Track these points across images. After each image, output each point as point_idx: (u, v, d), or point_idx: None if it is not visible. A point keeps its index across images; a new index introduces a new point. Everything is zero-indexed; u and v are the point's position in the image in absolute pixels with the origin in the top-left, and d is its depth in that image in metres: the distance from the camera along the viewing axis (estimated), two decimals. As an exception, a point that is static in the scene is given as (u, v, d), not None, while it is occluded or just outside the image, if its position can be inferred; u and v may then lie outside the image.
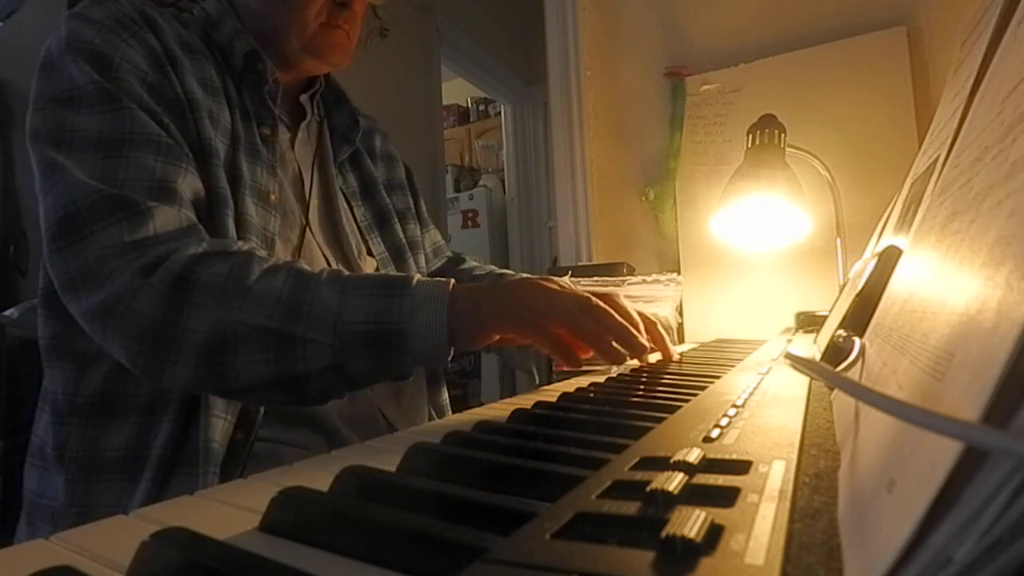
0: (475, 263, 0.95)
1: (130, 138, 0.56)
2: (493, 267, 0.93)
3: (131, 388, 0.59)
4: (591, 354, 0.54)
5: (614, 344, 0.52)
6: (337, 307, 0.51)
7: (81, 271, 0.52)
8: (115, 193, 0.53)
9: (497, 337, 0.54)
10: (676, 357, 0.68)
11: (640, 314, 0.62)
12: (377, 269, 0.79)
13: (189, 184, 0.59)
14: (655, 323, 0.63)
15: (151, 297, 0.51)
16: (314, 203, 0.75)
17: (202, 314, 0.51)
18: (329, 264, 0.73)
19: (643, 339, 0.54)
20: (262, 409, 0.61)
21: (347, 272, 0.54)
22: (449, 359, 0.53)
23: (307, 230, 0.72)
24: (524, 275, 0.83)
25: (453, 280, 0.54)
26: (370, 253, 0.79)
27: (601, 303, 0.53)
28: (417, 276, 0.54)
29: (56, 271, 0.54)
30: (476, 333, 0.53)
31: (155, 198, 0.55)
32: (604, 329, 0.52)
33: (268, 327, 0.50)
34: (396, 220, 0.85)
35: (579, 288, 0.56)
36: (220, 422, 0.58)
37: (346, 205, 0.79)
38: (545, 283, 0.55)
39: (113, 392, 0.59)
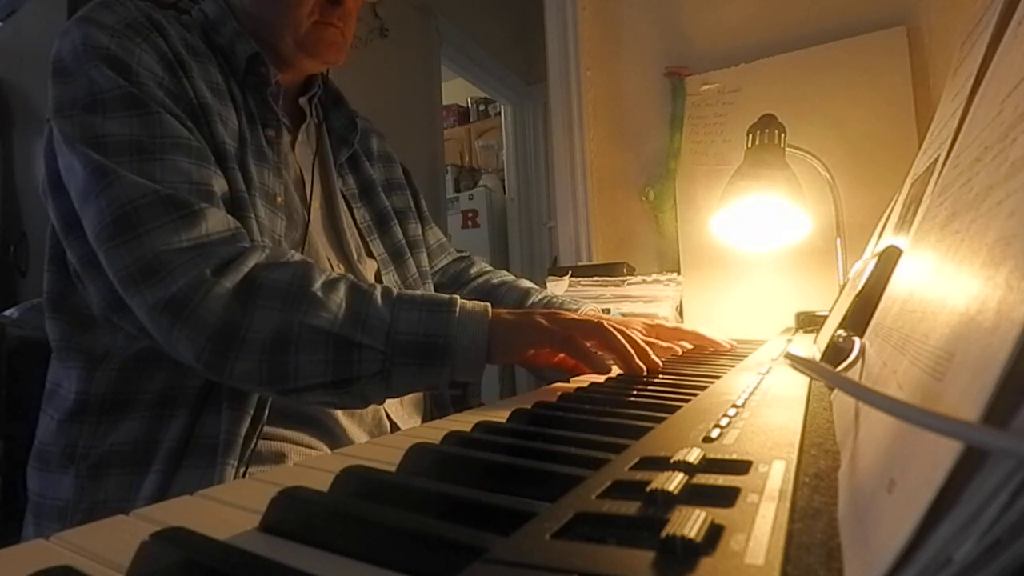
0: (486, 267, 0.96)
1: (161, 142, 0.57)
2: (505, 273, 0.94)
3: (143, 385, 0.60)
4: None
5: (636, 357, 0.57)
6: (390, 319, 0.55)
7: (141, 265, 0.54)
8: (170, 193, 0.55)
9: (531, 352, 0.59)
10: (729, 346, 0.80)
11: (676, 330, 0.73)
12: (377, 270, 0.79)
13: (220, 186, 0.60)
14: (694, 334, 0.76)
15: (221, 296, 0.53)
16: (316, 205, 0.75)
17: (267, 315, 0.54)
18: (331, 266, 0.73)
19: (653, 359, 0.58)
20: (268, 407, 0.61)
21: (396, 290, 0.59)
22: (481, 376, 0.58)
23: (309, 232, 0.72)
24: (542, 290, 0.90)
25: (489, 304, 0.59)
26: (370, 255, 0.79)
27: (620, 327, 0.60)
28: (460, 299, 0.58)
29: (114, 267, 0.55)
30: (511, 349, 0.58)
31: (202, 200, 0.57)
32: (627, 343, 0.57)
33: (331, 331, 0.54)
34: (395, 221, 0.85)
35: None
36: (244, 416, 0.59)
37: (346, 207, 0.79)
38: (572, 314, 0.62)
39: (124, 389, 0.60)
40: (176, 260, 0.54)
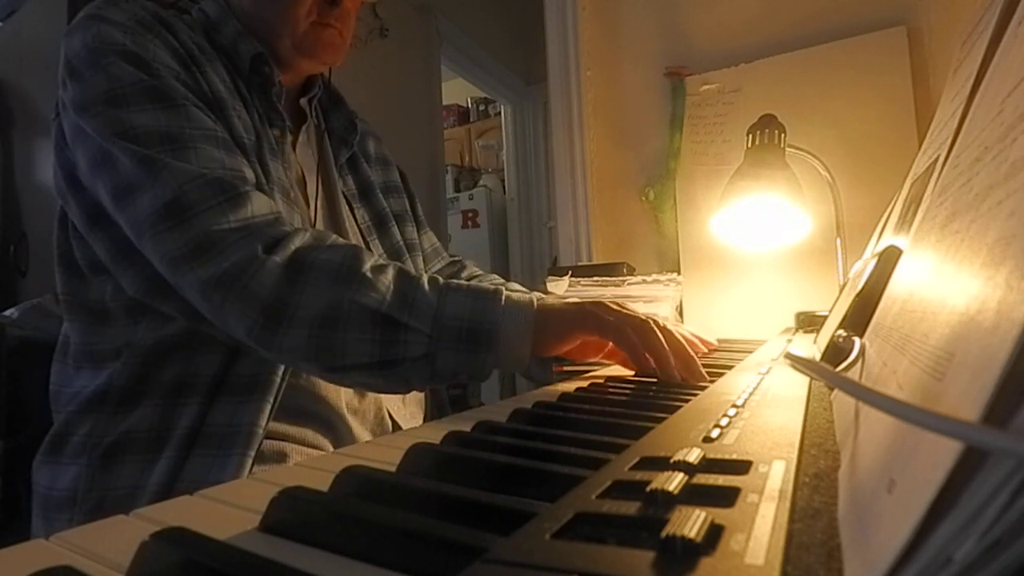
0: (477, 271, 0.96)
1: (190, 133, 0.58)
2: (498, 278, 0.93)
3: (160, 374, 0.61)
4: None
5: (674, 365, 0.55)
6: (437, 303, 0.56)
7: (192, 245, 0.55)
8: (218, 176, 0.56)
9: (578, 342, 0.58)
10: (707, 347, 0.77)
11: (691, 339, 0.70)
12: None
13: (250, 175, 0.61)
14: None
15: (272, 272, 0.54)
16: (316, 205, 0.75)
17: (317, 292, 0.54)
18: None
19: (700, 370, 0.56)
20: (276, 402, 0.61)
21: (442, 279, 0.59)
22: (525, 366, 0.57)
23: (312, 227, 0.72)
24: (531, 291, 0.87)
25: (538, 295, 0.59)
26: None
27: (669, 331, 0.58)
28: (507, 288, 0.59)
29: (163, 251, 0.56)
30: (557, 338, 0.57)
31: (243, 184, 0.58)
32: (668, 350, 0.55)
33: (380, 311, 0.54)
34: (393, 223, 0.85)
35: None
36: (266, 408, 0.60)
37: (347, 207, 0.80)
38: (611, 304, 0.60)
39: (144, 379, 0.61)
40: (228, 239, 0.55)
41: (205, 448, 0.58)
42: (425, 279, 0.58)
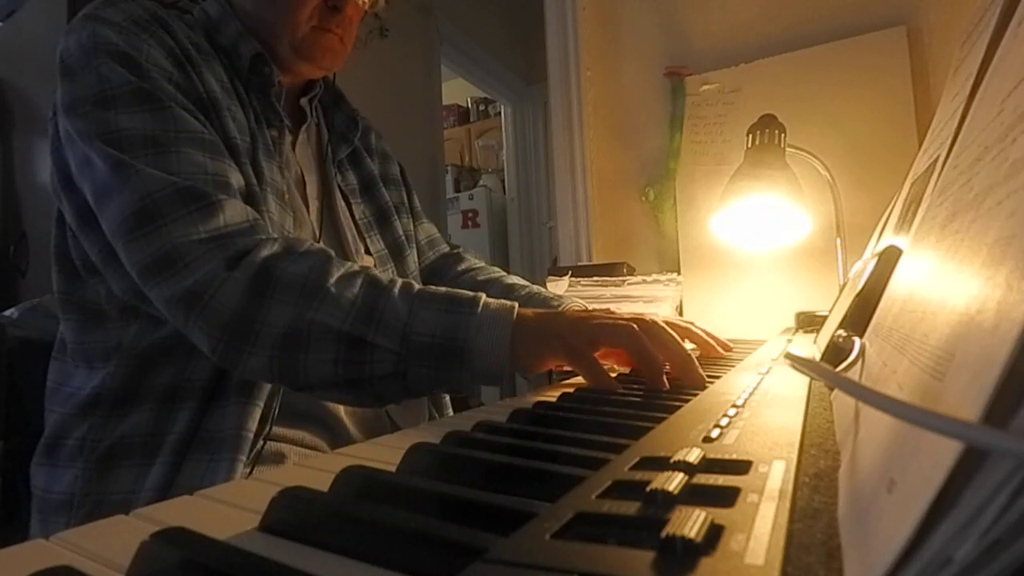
0: (476, 263, 0.93)
1: (175, 136, 0.57)
2: (495, 270, 0.91)
3: (154, 378, 0.60)
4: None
5: (664, 371, 0.50)
6: (407, 317, 0.53)
7: (158, 258, 0.54)
8: (188, 185, 0.55)
9: (551, 366, 0.55)
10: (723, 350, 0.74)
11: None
12: (374, 267, 0.79)
13: (236, 179, 0.60)
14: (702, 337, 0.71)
15: (235, 289, 0.53)
16: (316, 205, 0.75)
17: (281, 310, 0.53)
18: None
19: (699, 373, 0.51)
20: (274, 406, 0.61)
21: (417, 285, 0.56)
22: (501, 382, 0.54)
23: (314, 231, 0.72)
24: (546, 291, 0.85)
25: (517, 304, 0.55)
26: (368, 252, 0.79)
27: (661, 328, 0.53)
28: (485, 297, 0.55)
29: (133, 260, 0.55)
30: (534, 359, 0.54)
31: (219, 191, 0.57)
32: (659, 355, 0.51)
33: (342, 330, 0.52)
34: (396, 216, 0.85)
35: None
36: (255, 411, 0.59)
37: (344, 204, 0.80)
38: (602, 315, 0.56)
39: (135, 382, 0.60)
40: (193, 252, 0.53)
41: (199, 453, 0.58)
42: (397, 287, 0.55)
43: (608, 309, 0.58)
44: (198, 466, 0.57)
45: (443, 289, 0.56)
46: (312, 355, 0.52)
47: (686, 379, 0.50)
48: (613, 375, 0.56)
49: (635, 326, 0.52)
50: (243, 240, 0.55)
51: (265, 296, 0.53)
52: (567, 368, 0.55)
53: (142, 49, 0.60)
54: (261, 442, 0.60)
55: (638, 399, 0.46)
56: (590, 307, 0.83)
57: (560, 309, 0.74)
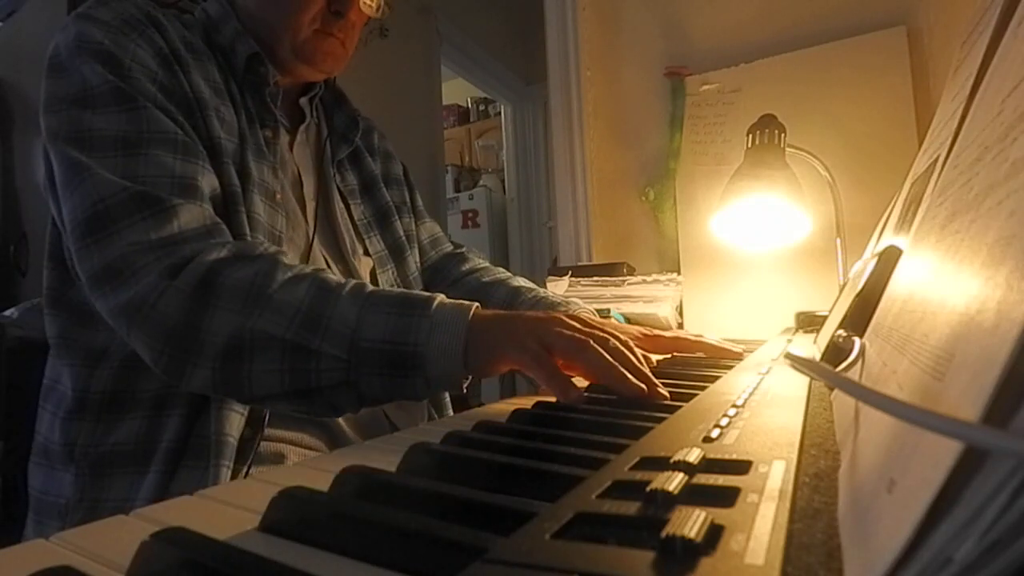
0: (481, 263, 0.92)
1: (147, 137, 0.57)
2: (501, 270, 0.90)
3: (142, 383, 0.60)
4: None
5: (628, 375, 0.47)
6: (356, 322, 0.50)
7: (107, 267, 0.53)
8: (141, 190, 0.54)
9: (507, 370, 0.51)
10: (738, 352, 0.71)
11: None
12: (373, 268, 0.79)
13: (208, 181, 0.59)
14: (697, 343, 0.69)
15: (176, 299, 0.51)
16: (312, 205, 0.75)
17: (225, 318, 0.51)
18: (328, 264, 0.73)
19: (652, 381, 0.48)
20: (264, 411, 0.61)
21: (371, 286, 0.54)
22: (465, 385, 0.52)
23: (313, 234, 0.72)
24: (545, 293, 0.82)
25: (477, 304, 0.52)
26: (366, 252, 0.79)
27: (615, 339, 0.50)
28: (440, 297, 0.52)
29: (84, 268, 0.54)
30: (488, 362, 0.50)
31: (179, 195, 0.56)
32: (613, 363, 0.47)
33: (285, 338, 0.50)
34: (396, 217, 0.85)
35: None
36: (233, 416, 0.58)
37: (343, 205, 0.80)
38: (564, 318, 0.51)
39: (124, 387, 0.60)
40: (140, 261, 0.52)
41: (191, 460, 0.57)
42: (347, 290, 0.52)
43: (589, 319, 0.54)
44: (192, 474, 0.57)
45: (397, 291, 0.54)
46: (257, 365, 0.50)
47: (651, 396, 0.46)
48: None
49: (590, 341, 0.48)
50: (192, 246, 0.53)
51: (208, 305, 0.51)
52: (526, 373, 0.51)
53: (128, 48, 0.60)
54: (255, 446, 0.59)
55: (638, 399, 0.45)
56: (590, 308, 0.83)
57: (566, 314, 0.72)
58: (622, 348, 0.49)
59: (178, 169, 0.57)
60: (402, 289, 0.54)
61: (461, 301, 0.52)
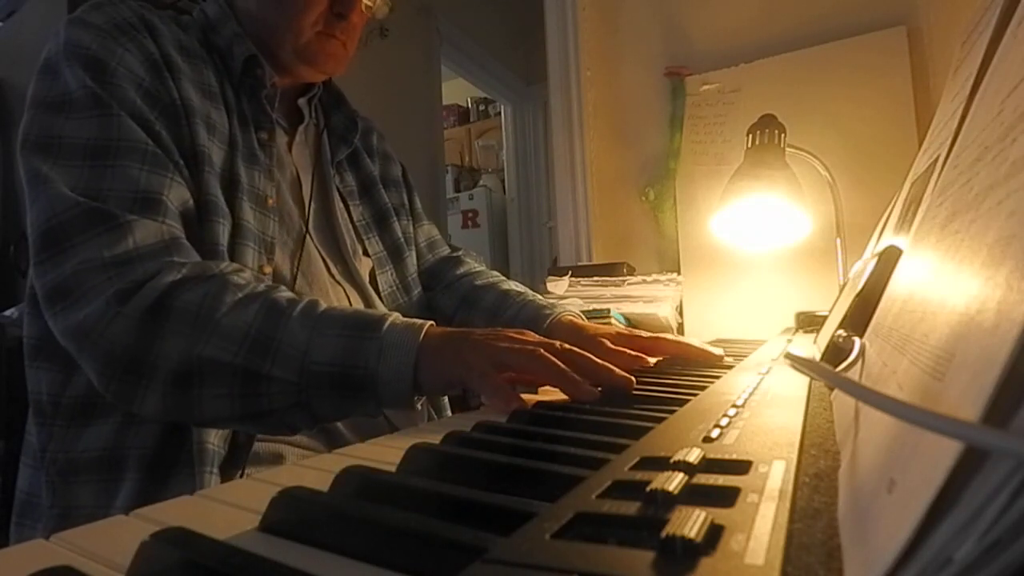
0: (475, 266, 0.91)
1: (116, 145, 0.56)
2: (494, 274, 0.89)
3: None
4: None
5: (579, 380, 0.47)
6: (306, 345, 0.50)
7: (58, 286, 0.52)
8: (95, 207, 0.53)
9: (458, 390, 0.52)
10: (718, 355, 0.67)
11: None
12: (372, 269, 0.79)
13: (176, 194, 0.58)
14: (675, 344, 0.67)
15: (125, 326, 0.50)
16: (311, 206, 0.75)
17: (173, 343, 0.50)
18: (326, 265, 0.73)
19: (619, 375, 0.49)
20: None
21: (323, 305, 0.53)
22: (418, 404, 0.51)
23: (306, 233, 0.72)
24: (532, 297, 0.81)
25: (430, 323, 0.52)
26: (366, 253, 0.79)
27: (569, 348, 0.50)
28: (392, 318, 0.52)
29: (38, 285, 0.54)
30: (437, 383, 0.51)
31: (137, 210, 0.54)
32: (565, 369, 0.48)
33: (234, 363, 0.50)
34: (395, 218, 0.85)
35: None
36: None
37: (342, 206, 0.79)
38: (511, 333, 0.52)
39: (97, 394, 0.58)
40: (90, 281, 0.51)
41: (171, 468, 0.56)
42: (298, 310, 0.52)
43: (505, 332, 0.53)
44: (173, 481, 0.56)
45: (351, 310, 0.54)
46: (207, 391, 0.50)
47: (612, 385, 0.48)
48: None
49: (541, 350, 0.49)
50: (146, 266, 0.52)
51: (157, 330, 0.50)
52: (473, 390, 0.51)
53: (116, 53, 0.59)
54: (247, 451, 0.59)
55: (638, 399, 0.45)
56: (590, 307, 0.83)
57: (553, 317, 0.73)
58: (576, 351, 0.50)
59: (143, 182, 0.56)
60: (355, 308, 0.54)
61: (413, 321, 0.52)
